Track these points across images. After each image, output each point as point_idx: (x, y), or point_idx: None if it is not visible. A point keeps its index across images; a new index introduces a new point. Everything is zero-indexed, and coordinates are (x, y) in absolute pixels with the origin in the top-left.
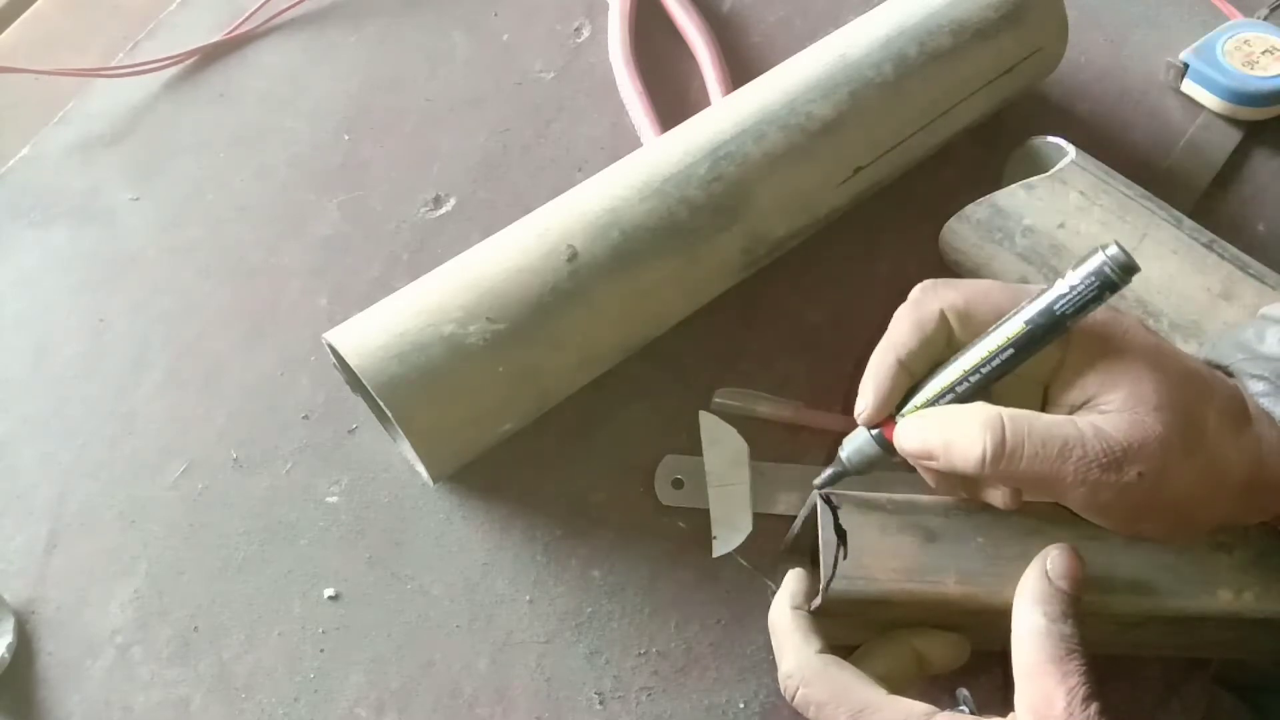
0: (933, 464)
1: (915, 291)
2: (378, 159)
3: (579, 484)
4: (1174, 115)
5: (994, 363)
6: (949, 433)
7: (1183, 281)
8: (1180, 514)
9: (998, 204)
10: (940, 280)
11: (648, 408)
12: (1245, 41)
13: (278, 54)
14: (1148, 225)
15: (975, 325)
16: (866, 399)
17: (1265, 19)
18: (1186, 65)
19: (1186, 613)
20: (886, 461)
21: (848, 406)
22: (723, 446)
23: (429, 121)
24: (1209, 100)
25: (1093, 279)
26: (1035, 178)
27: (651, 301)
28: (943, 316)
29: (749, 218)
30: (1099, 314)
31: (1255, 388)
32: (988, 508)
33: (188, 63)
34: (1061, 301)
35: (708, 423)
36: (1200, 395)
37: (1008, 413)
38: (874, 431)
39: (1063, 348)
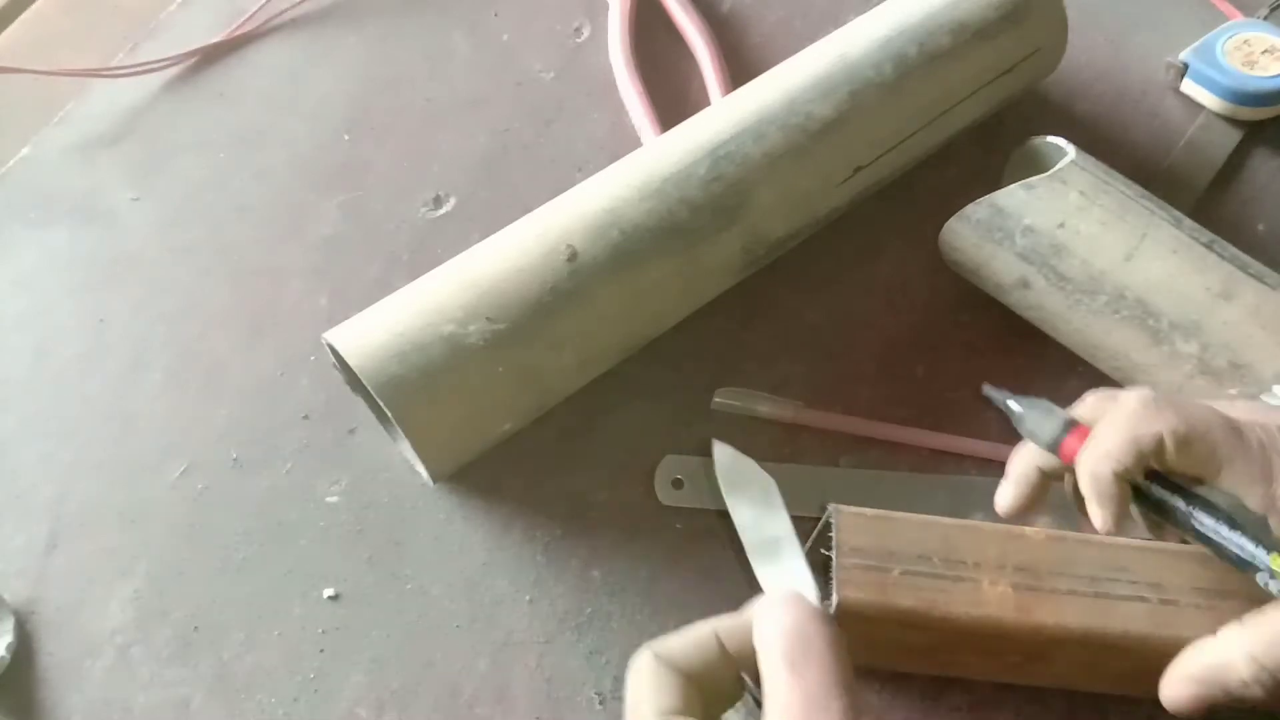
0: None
1: (1134, 404)
2: (378, 159)
3: (579, 484)
4: (1174, 115)
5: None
6: (1216, 682)
7: (1183, 281)
8: None
9: (998, 204)
10: (1163, 399)
11: (648, 408)
12: (1245, 41)
13: (278, 54)
14: (1147, 225)
15: (1191, 457)
16: (1099, 514)
17: (1265, 19)
18: (1186, 65)
19: None
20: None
21: (848, 406)
22: (746, 488)
23: (429, 121)
24: (1209, 100)
25: None
26: (1035, 178)
27: (651, 301)
28: (1161, 440)
29: (749, 218)
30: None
31: None
32: None
33: (188, 63)
34: (1256, 572)
35: (724, 457)
36: None
37: (1255, 638)
38: (1049, 439)
39: (1271, 496)
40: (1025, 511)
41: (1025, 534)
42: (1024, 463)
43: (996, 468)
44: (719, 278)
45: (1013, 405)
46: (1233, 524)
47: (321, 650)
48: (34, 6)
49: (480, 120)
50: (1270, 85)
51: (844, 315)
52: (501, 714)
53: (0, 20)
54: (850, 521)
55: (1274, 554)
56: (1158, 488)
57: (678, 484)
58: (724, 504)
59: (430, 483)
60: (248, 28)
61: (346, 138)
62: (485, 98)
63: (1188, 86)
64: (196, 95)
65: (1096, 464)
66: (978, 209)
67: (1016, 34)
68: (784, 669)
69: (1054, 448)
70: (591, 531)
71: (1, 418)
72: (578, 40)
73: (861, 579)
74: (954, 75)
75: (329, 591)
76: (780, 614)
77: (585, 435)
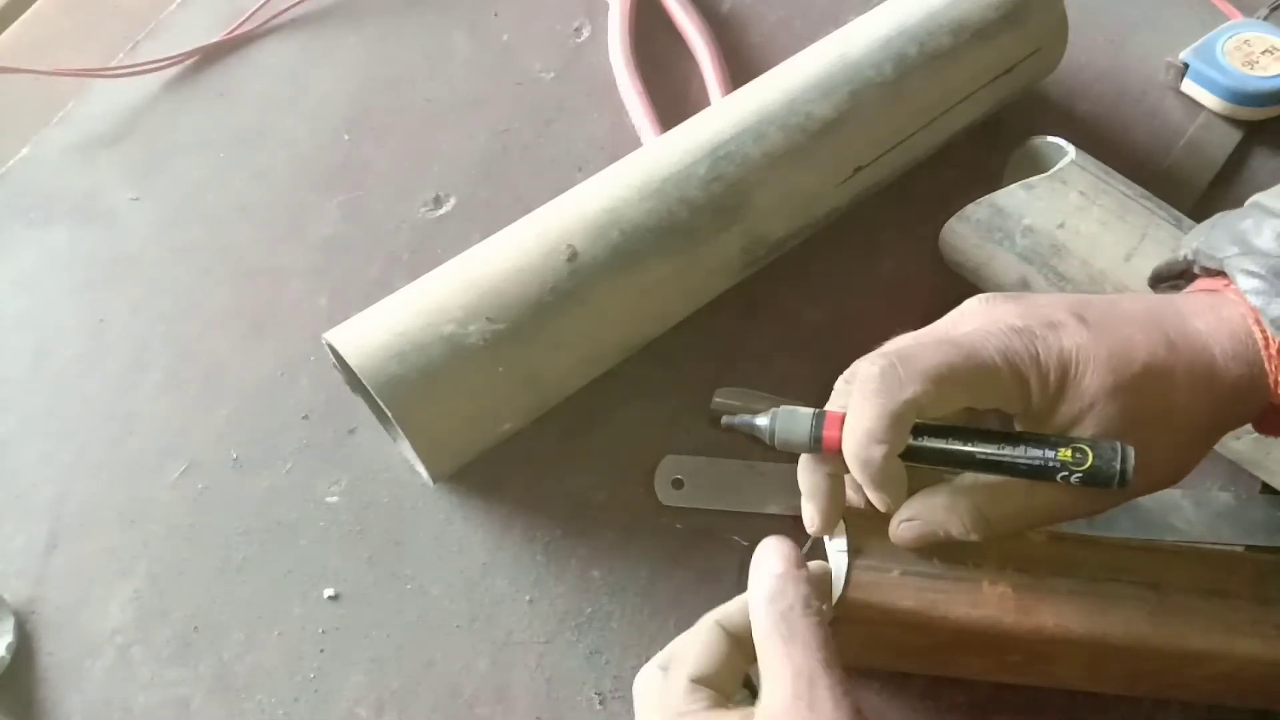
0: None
1: (876, 377)
2: (378, 159)
3: (579, 484)
4: (1174, 115)
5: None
6: (938, 524)
7: None
8: (1167, 472)
9: (998, 204)
10: (898, 358)
11: (648, 408)
12: (1245, 41)
13: (278, 54)
14: (1147, 225)
15: (947, 403)
16: (881, 498)
17: (1265, 19)
18: (1186, 65)
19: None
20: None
21: None
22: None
23: (429, 121)
24: (1209, 100)
25: (1090, 479)
26: (1035, 178)
27: (651, 301)
28: (915, 404)
29: (749, 218)
30: (1053, 354)
31: (1248, 284)
32: None
33: (188, 63)
34: (1056, 473)
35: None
36: (1161, 388)
37: (977, 499)
38: (807, 440)
39: (1026, 398)
40: (836, 520)
41: (1026, 535)
42: (809, 474)
43: None
44: (719, 278)
45: (759, 423)
46: (1010, 440)
47: (321, 650)
48: (34, 6)
49: (480, 120)
50: (1270, 85)
51: (844, 315)
52: (501, 714)
53: (0, 20)
54: (851, 522)
55: (1060, 450)
56: (928, 440)
57: (678, 484)
58: (723, 504)
59: (430, 483)
60: (248, 28)
61: (346, 138)
62: (485, 98)
63: (1188, 86)
64: (196, 95)
65: (863, 450)
66: (978, 209)
67: (1016, 34)
68: (778, 643)
69: (816, 446)
70: (591, 531)
71: (1, 418)
72: (578, 40)
73: (862, 580)
74: (954, 75)
75: (329, 591)
76: (771, 589)
77: (585, 435)
